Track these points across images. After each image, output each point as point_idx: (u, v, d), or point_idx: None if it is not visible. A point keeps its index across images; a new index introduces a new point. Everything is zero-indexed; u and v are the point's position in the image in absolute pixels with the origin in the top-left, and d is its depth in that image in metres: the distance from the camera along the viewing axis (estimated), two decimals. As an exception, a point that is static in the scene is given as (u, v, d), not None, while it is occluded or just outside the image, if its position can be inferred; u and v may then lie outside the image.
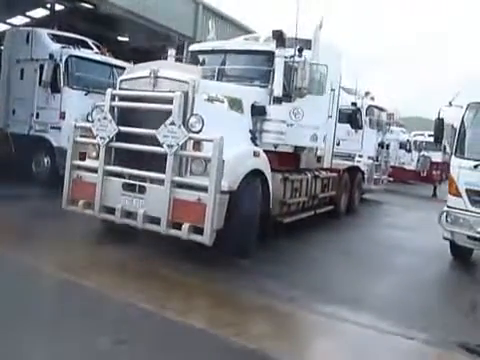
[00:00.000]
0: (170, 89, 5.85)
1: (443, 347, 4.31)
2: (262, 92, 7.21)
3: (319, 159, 9.20)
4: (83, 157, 6.68)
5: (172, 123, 5.58)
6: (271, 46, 7.32)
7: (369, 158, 13.88)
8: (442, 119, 7.56)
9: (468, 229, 6.64)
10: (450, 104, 7.54)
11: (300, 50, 7.25)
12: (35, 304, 4.19)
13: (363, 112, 13.76)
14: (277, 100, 7.10)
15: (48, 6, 15.78)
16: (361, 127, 13.61)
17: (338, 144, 14.05)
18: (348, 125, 13.58)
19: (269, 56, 7.30)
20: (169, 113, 5.65)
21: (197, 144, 5.68)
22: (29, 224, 6.90)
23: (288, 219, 7.65)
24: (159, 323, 4.11)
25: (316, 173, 9.00)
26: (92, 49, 11.16)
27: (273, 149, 7.31)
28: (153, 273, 5.41)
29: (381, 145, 14.47)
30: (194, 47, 8.28)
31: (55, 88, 9.98)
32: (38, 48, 10.52)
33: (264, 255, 6.46)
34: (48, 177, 9.56)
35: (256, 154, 6.30)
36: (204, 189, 5.40)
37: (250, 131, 6.96)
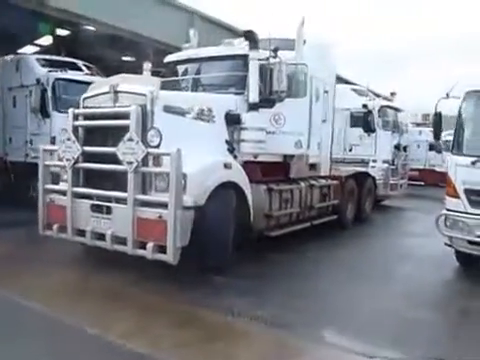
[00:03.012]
0: (130, 103, 5.63)
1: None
2: (238, 99, 6.81)
3: (314, 167, 8.71)
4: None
5: (130, 139, 5.35)
6: (245, 49, 6.99)
7: (384, 162, 13.16)
8: (440, 113, 6.97)
9: (467, 233, 6.04)
10: (447, 96, 6.95)
11: (275, 50, 6.84)
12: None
13: (375, 114, 13.16)
14: (253, 106, 6.72)
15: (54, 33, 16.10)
16: (374, 130, 13.09)
17: (350, 150, 13.61)
18: (360, 129, 13.18)
19: (244, 60, 6.91)
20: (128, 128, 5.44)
21: (156, 159, 5.42)
22: (7, 249, 6.85)
23: (276, 232, 7.20)
24: (99, 347, 3.89)
25: (312, 182, 8.53)
26: (82, 70, 11.11)
27: (252, 159, 6.94)
28: (115, 294, 5.20)
29: (397, 147, 13.73)
30: (170, 58, 8.02)
31: (45, 113, 9.97)
32: (27, 74, 10.58)
33: (244, 271, 6.09)
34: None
35: (227, 166, 5.97)
36: (165, 206, 5.12)
37: (226, 141, 6.64)
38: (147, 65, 7.72)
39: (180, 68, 7.97)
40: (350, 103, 13.30)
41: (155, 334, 4.21)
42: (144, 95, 5.60)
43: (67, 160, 6.00)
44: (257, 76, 6.77)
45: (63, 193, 6.16)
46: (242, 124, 6.67)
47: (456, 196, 6.27)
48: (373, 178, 11.92)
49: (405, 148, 14.22)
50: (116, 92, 5.82)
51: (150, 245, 5.18)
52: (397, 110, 14.42)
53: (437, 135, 6.98)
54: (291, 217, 7.94)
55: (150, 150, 5.29)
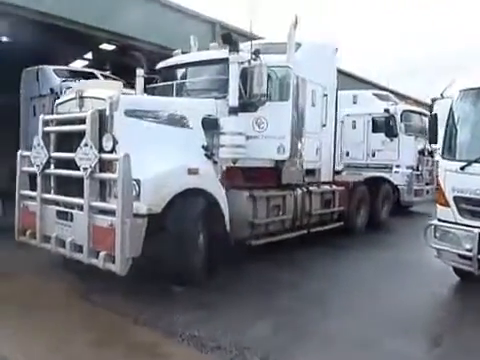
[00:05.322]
0: (93, 108, 5.53)
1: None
2: (219, 103, 6.58)
3: (312, 173, 8.27)
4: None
5: (85, 144, 5.25)
6: (226, 53, 6.73)
7: (407, 168, 12.56)
8: (436, 115, 6.39)
9: (456, 246, 5.44)
10: (442, 96, 6.37)
11: (256, 53, 6.58)
12: None
13: (397, 118, 12.67)
14: (233, 110, 6.47)
15: (100, 47, 16.59)
16: (396, 135, 12.66)
17: (373, 155, 13.15)
18: (383, 134, 12.79)
19: (225, 64, 6.66)
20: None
21: (109, 164, 5.26)
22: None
23: (258, 241, 6.85)
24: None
25: (311, 188, 8.10)
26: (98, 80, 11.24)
27: (233, 165, 6.66)
28: (58, 307, 5.05)
29: (422, 152, 13.01)
30: (160, 65, 7.91)
31: None
32: (44, 84, 10.87)
33: (215, 282, 5.79)
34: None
35: (192, 171, 5.70)
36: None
37: (204, 147, 6.39)
38: (140, 71, 7.63)
39: (178, 73, 7.85)
40: (372, 108, 13.04)
41: (69, 354, 3.98)
42: (104, 100, 5.49)
43: (37, 166, 6.00)
44: (237, 79, 6.56)
45: (34, 199, 6.15)
46: (221, 129, 6.42)
47: (446, 204, 5.69)
48: (391, 183, 11.32)
49: (431, 153, 13.40)
50: (81, 98, 5.77)
51: (102, 254, 5.03)
52: (421, 114, 13.69)
53: (433, 139, 6.36)
54: (284, 224, 7.57)
55: (102, 155, 5.16)
